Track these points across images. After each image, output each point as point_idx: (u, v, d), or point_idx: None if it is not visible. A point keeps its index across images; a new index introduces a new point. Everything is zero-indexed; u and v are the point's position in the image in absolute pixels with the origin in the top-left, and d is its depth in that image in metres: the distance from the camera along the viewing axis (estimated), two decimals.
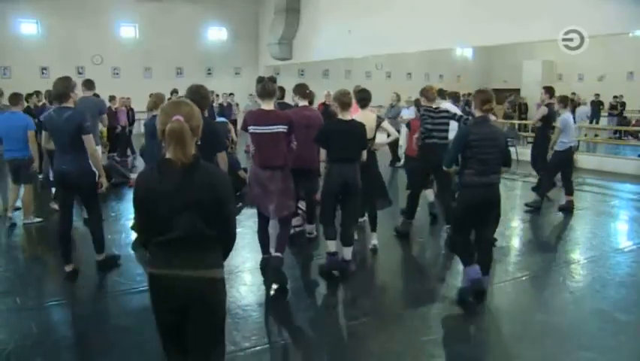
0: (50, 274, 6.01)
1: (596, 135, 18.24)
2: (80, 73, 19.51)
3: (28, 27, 19.23)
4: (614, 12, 11.54)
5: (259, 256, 5.87)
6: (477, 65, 26.90)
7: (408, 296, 5.45)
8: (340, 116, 5.69)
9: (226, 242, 2.84)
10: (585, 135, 17.23)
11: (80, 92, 5.93)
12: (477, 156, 4.93)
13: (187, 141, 2.60)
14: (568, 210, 8.77)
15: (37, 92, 12.53)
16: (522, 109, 20.09)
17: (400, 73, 24.78)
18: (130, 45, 20.91)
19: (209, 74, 22.40)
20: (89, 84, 8.25)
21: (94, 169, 5.67)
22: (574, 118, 16.99)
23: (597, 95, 19.33)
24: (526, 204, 8.97)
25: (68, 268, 5.69)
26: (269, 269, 5.49)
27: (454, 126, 6.87)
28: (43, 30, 19.40)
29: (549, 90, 9.55)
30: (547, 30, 12.54)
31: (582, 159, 13.87)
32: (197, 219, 2.66)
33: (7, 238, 7.35)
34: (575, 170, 13.13)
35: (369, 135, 6.08)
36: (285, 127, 5.31)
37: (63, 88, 5.48)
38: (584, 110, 17.62)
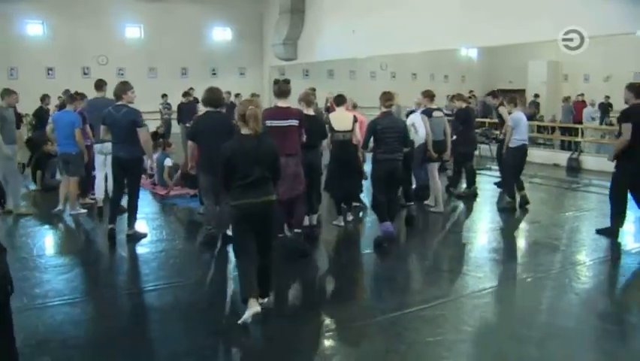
0: (58, 272, 6.00)
1: (602, 137, 18.13)
2: (85, 73, 19.56)
3: (33, 28, 19.23)
4: (616, 12, 11.49)
5: None
6: (482, 66, 26.80)
7: (412, 296, 5.43)
8: (305, 112, 6.80)
9: (275, 180, 4.78)
10: (591, 136, 17.15)
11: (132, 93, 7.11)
12: (383, 140, 6.70)
13: (259, 119, 4.57)
14: (522, 206, 8.93)
15: (46, 96, 12.63)
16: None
17: (404, 73, 24.70)
18: (135, 45, 20.91)
19: (214, 74, 22.38)
20: (100, 85, 8.70)
21: (142, 156, 7.13)
22: (580, 119, 17.07)
23: (607, 97, 19.19)
24: (499, 209, 8.99)
25: (110, 226, 7.01)
26: (291, 244, 6.54)
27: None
28: (49, 31, 19.42)
29: (495, 94, 10.60)
30: (551, 30, 12.51)
31: (588, 161, 13.83)
32: (263, 169, 4.56)
33: (17, 236, 7.36)
34: (581, 171, 13.19)
35: (347, 128, 7.39)
36: (297, 121, 6.27)
37: (119, 90, 7.00)
38: (589, 111, 17.53)
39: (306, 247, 6.61)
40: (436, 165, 8.79)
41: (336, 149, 7.53)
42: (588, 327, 4.79)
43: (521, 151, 8.87)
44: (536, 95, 20.35)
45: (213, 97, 6.77)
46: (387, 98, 6.92)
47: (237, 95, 18.31)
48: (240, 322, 4.48)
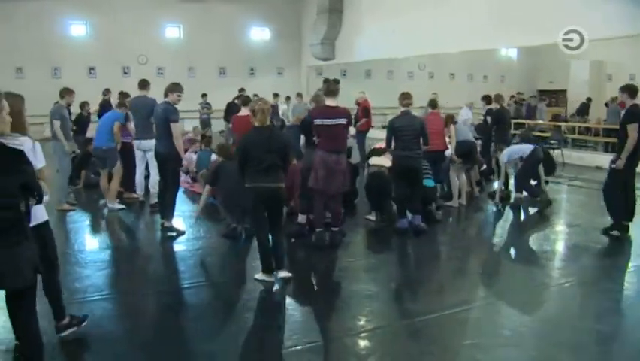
0: (97, 268, 6.12)
1: None
2: (125, 73, 19.92)
3: (77, 28, 19.68)
4: None
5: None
6: (522, 66, 26.29)
7: (447, 298, 5.36)
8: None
9: (285, 169, 5.55)
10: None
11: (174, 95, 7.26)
12: (401, 137, 7.14)
13: (267, 113, 5.46)
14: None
15: (85, 103, 12.83)
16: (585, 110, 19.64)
17: (442, 73, 24.45)
18: (174, 45, 21.20)
19: (252, 74, 22.54)
20: (144, 84, 8.88)
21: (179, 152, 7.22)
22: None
23: None
24: (540, 210, 8.80)
25: (167, 225, 7.32)
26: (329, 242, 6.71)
27: None
28: (92, 31, 19.82)
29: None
30: (595, 29, 12.24)
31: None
32: (275, 157, 5.33)
33: (59, 231, 7.48)
34: None
35: (383, 164, 7.94)
36: (345, 120, 6.52)
37: (167, 89, 7.22)
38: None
39: (340, 239, 6.86)
40: (458, 167, 8.92)
41: (371, 178, 7.95)
42: (630, 334, 4.65)
43: (533, 158, 8.85)
44: (589, 99, 19.76)
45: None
46: (404, 97, 7.33)
47: (277, 96, 18.47)
48: (255, 277, 5.56)
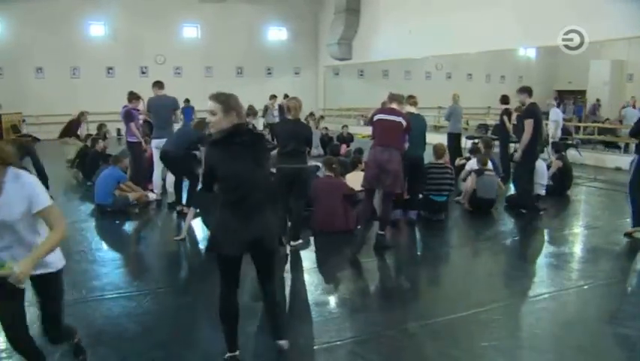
0: (115, 266, 6.17)
1: None
2: (143, 72, 20.06)
3: (96, 29, 19.85)
4: None
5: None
6: (540, 66, 26.03)
7: (466, 300, 5.31)
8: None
9: (308, 153, 6.53)
10: None
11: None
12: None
13: (298, 109, 6.42)
14: None
15: (97, 140, 12.07)
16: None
17: (460, 74, 24.30)
18: (192, 45, 21.32)
19: (269, 73, 22.61)
20: (160, 85, 8.89)
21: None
22: None
23: None
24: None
25: (180, 208, 8.19)
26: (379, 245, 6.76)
27: None
28: (110, 31, 19.99)
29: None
30: (613, 30, 12.13)
31: None
32: (298, 143, 6.26)
33: (77, 230, 7.57)
34: None
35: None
36: (404, 121, 6.65)
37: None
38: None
39: (389, 242, 6.88)
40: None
41: None
42: None
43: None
44: (598, 100, 19.45)
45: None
46: (410, 98, 7.94)
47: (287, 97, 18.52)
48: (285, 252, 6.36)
